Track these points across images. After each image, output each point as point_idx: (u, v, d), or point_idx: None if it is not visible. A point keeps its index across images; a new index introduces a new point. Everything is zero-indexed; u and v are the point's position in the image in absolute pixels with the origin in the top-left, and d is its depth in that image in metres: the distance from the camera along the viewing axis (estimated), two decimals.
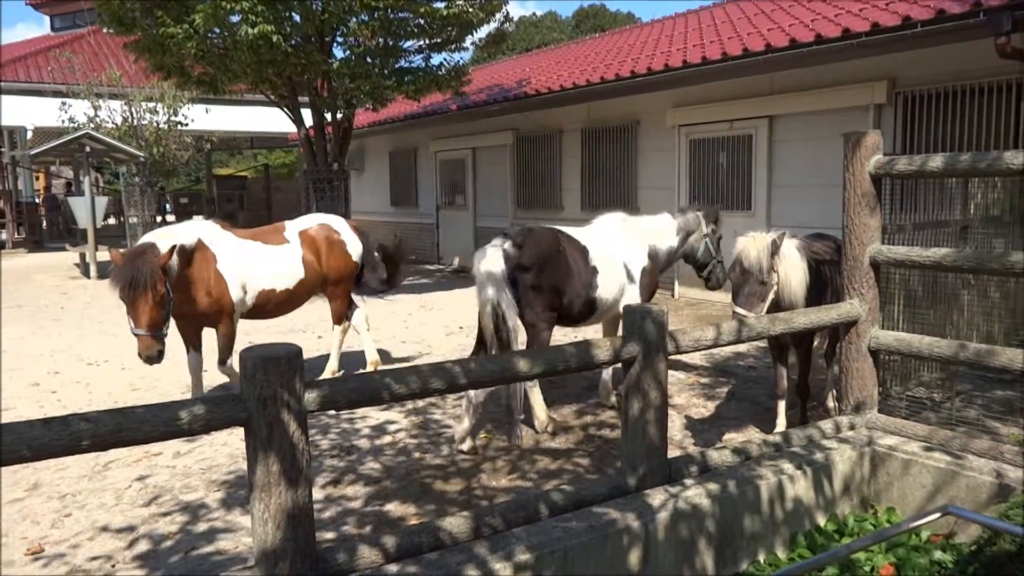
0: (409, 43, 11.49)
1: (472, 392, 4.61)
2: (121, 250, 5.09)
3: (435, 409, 5.67)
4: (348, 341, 6.78)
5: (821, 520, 3.44)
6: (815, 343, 5.15)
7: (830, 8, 9.29)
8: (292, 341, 2.53)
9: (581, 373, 5.19)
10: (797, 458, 3.44)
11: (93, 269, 14.05)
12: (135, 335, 4.82)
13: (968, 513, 2.83)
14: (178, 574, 3.39)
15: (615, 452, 4.69)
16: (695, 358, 6.94)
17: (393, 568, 2.47)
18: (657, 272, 5.53)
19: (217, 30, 10.17)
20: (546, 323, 4.89)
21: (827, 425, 3.79)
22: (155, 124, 17.61)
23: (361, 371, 6.49)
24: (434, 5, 10.56)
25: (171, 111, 17.75)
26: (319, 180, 12.04)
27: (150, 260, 4.78)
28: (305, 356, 2.56)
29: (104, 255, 12.91)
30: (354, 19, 10.41)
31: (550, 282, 4.81)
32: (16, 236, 20.80)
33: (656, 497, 2.99)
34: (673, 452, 4.04)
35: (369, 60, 11.05)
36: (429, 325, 9.09)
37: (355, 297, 6.62)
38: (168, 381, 6.52)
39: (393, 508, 4.02)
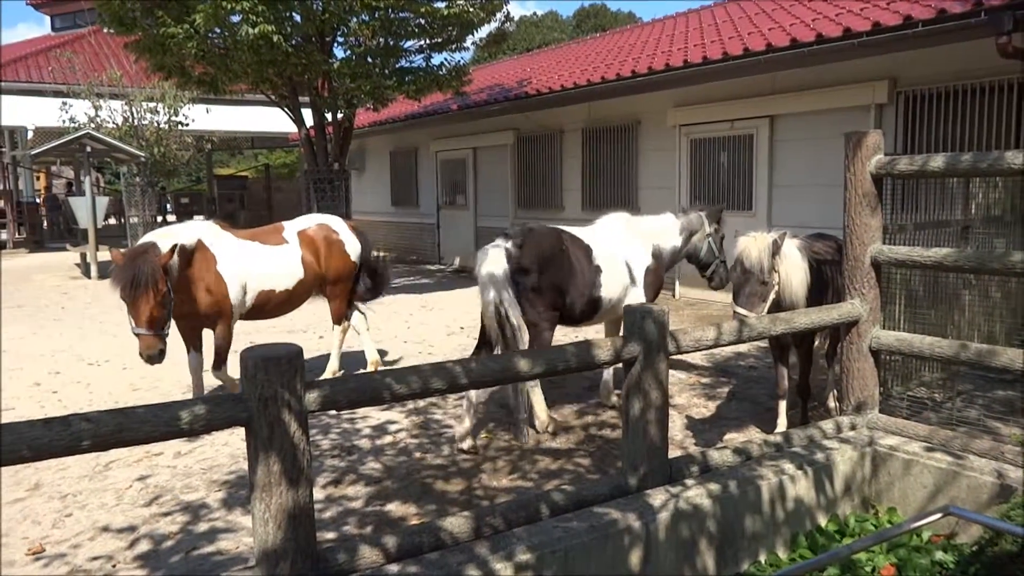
0: (410, 43, 11.48)
1: (473, 392, 4.62)
2: (122, 250, 5.09)
3: (436, 409, 5.67)
4: (348, 341, 6.78)
5: (822, 520, 3.44)
6: (816, 343, 5.15)
7: (831, 7, 9.29)
8: (293, 341, 2.52)
9: (582, 373, 5.19)
10: (798, 458, 3.44)
11: (94, 269, 14.06)
12: (136, 335, 4.81)
13: (969, 513, 2.83)
14: (179, 574, 3.39)
15: (616, 452, 4.68)
16: (696, 358, 6.94)
17: (394, 568, 2.46)
18: (662, 271, 5.54)
19: (218, 30, 10.17)
20: (548, 322, 4.88)
21: (828, 425, 3.78)
22: (156, 124, 17.63)
23: (362, 371, 6.50)
24: (435, 5, 10.55)
25: (172, 111, 17.77)
26: (320, 180, 12.04)
27: (151, 259, 4.77)
28: (306, 356, 2.56)
29: (105, 255, 12.92)
30: (355, 19, 10.40)
31: (552, 281, 4.81)
32: (17, 236, 20.80)
33: (657, 497, 2.99)
34: (674, 452, 4.04)
35: (370, 60, 11.05)
36: (430, 325, 9.09)
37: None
38: (169, 381, 6.52)
39: (394, 508, 4.02)
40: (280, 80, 11.16)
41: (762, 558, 3.23)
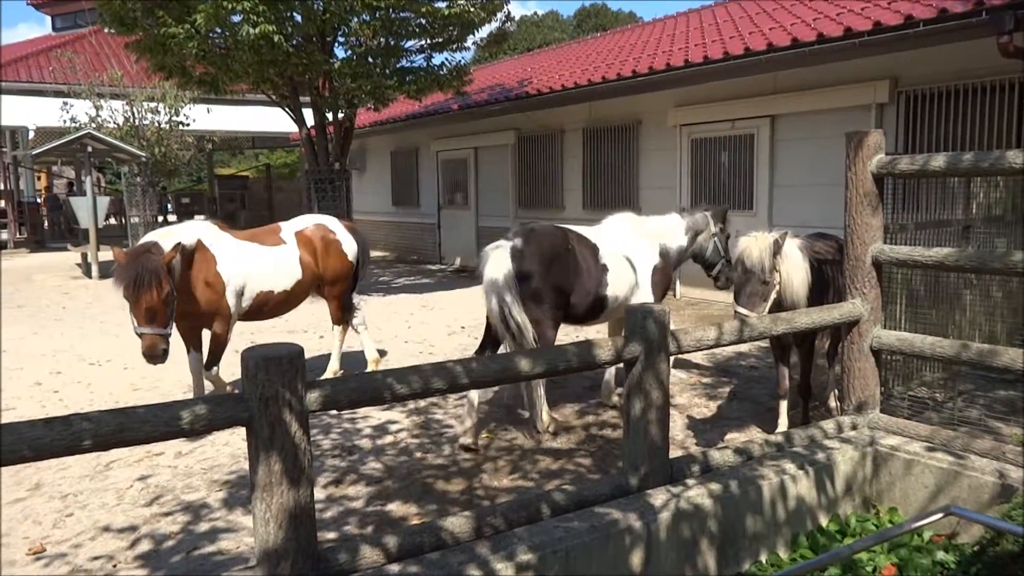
0: (410, 43, 11.49)
1: (474, 392, 4.61)
2: (125, 249, 5.09)
3: (437, 409, 5.67)
4: (349, 341, 6.78)
5: (823, 520, 3.44)
6: (817, 343, 5.15)
7: (832, 7, 9.28)
8: (293, 341, 2.52)
9: (583, 373, 5.19)
10: (799, 458, 3.44)
11: (95, 269, 14.06)
12: (139, 334, 4.80)
13: (970, 513, 2.83)
14: (180, 574, 3.39)
15: (617, 452, 4.68)
16: (697, 358, 6.94)
17: (395, 568, 2.46)
18: (670, 271, 5.56)
19: (218, 30, 10.18)
20: (552, 321, 4.88)
21: (829, 425, 3.78)
22: (157, 124, 17.64)
23: (363, 371, 6.50)
24: (435, 5, 10.56)
25: (172, 111, 17.78)
26: (320, 180, 12.04)
27: (154, 258, 4.77)
28: (306, 356, 2.56)
29: (105, 255, 12.95)
30: (355, 19, 10.41)
31: (556, 280, 4.80)
32: (18, 236, 20.82)
33: (658, 497, 2.99)
34: (675, 452, 4.04)
35: (370, 60, 11.05)
36: (431, 325, 9.09)
37: (355, 297, 6.62)
38: (169, 381, 6.52)
39: (395, 508, 4.02)
40: (281, 80, 11.16)
41: (763, 558, 3.23)
